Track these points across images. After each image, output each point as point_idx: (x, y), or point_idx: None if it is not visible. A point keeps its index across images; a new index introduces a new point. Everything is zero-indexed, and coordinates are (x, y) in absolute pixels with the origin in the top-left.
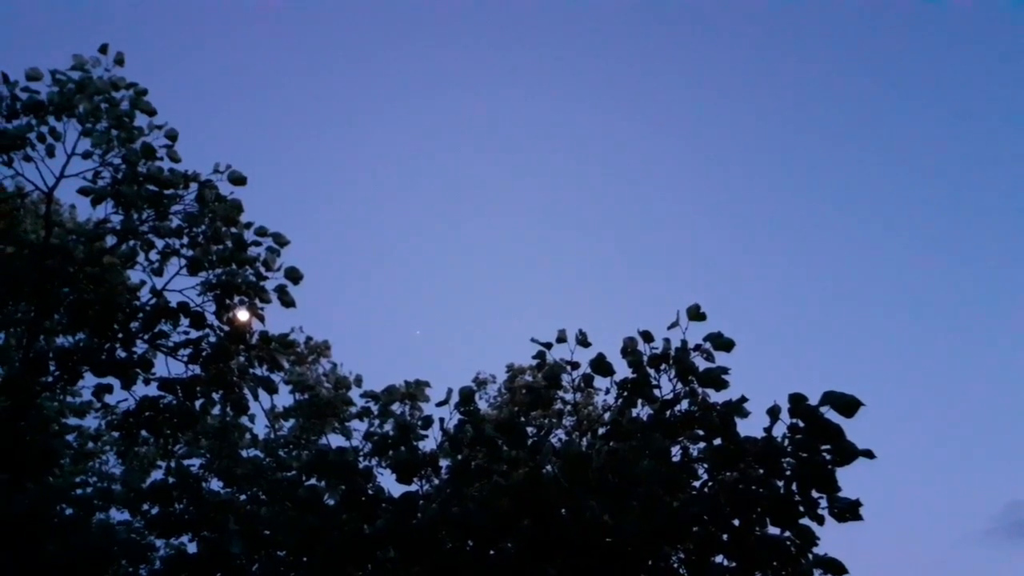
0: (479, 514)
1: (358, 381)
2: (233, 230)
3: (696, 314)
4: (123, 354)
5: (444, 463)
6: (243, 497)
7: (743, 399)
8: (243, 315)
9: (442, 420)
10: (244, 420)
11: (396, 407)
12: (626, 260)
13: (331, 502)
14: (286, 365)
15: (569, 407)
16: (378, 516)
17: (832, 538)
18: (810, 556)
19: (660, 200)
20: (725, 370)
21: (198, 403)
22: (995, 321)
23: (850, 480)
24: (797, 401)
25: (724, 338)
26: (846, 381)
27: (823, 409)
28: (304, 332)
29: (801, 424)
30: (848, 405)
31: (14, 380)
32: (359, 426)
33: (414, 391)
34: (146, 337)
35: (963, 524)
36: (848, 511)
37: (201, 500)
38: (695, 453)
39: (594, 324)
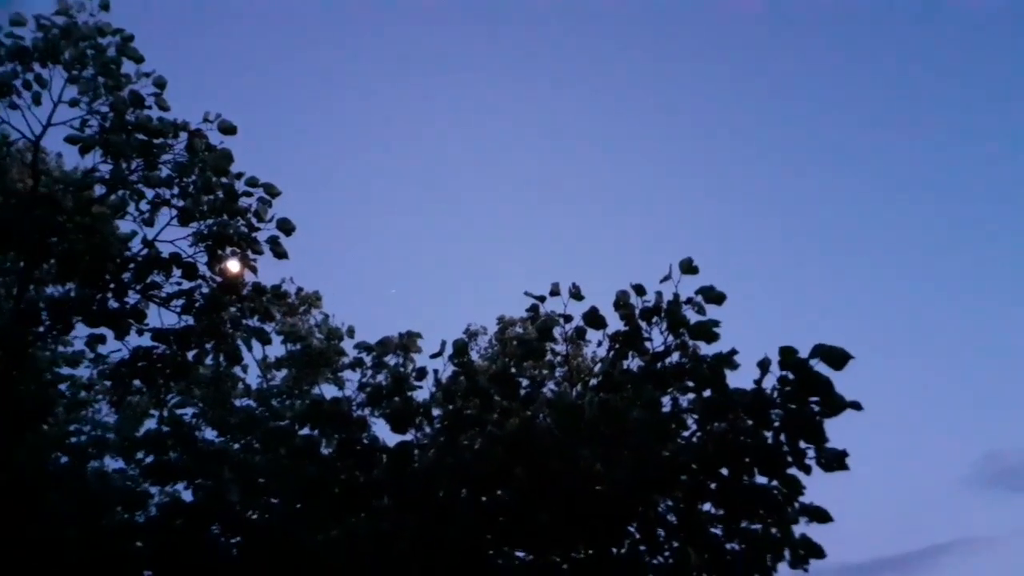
0: (473, 463)
1: (350, 332)
2: (224, 180)
3: (688, 267)
4: (115, 304)
5: (437, 413)
6: (236, 446)
7: (733, 351)
8: (235, 266)
9: (436, 372)
10: (237, 370)
11: (389, 358)
12: (618, 215)
13: (326, 451)
14: (278, 316)
15: (560, 358)
16: (373, 465)
17: (814, 487)
18: (796, 505)
19: (651, 154)
20: (716, 323)
21: (191, 353)
22: (975, 272)
23: (830, 430)
24: (787, 354)
25: (715, 291)
26: (830, 332)
27: (813, 362)
28: (295, 283)
29: (791, 376)
30: (838, 358)
31: (6, 330)
32: (352, 376)
33: (407, 343)
34: (138, 288)
35: (943, 473)
36: (835, 461)
37: (195, 449)
38: (685, 404)
39: (586, 279)
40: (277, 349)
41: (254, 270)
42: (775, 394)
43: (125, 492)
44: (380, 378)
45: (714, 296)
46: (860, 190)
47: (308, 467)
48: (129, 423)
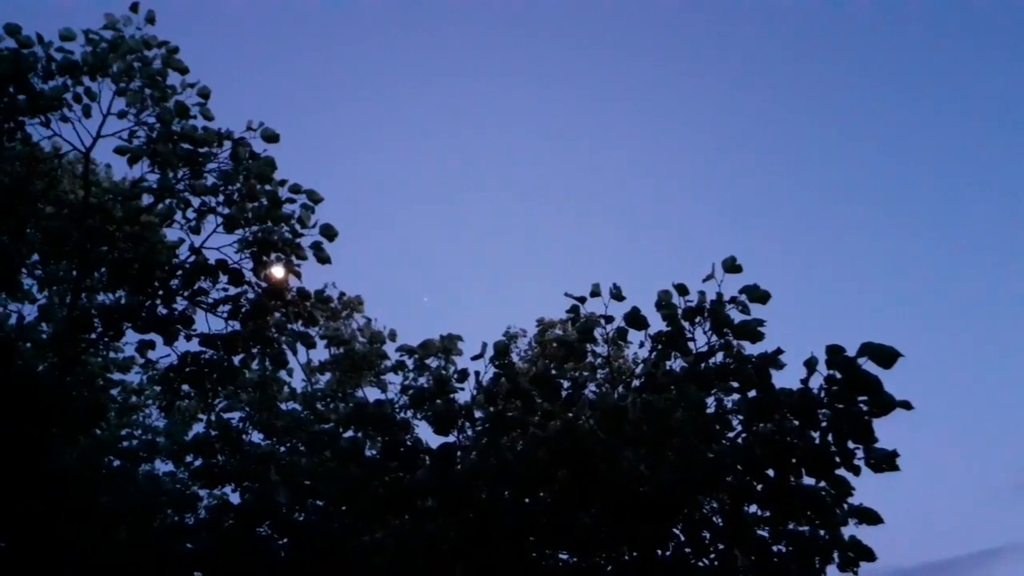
0: (516, 465)
1: (392, 335)
2: (267, 187)
3: (732, 266)
4: (164, 311)
5: (479, 415)
6: (283, 449)
7: (778, 351)
8: (279, 272)
9: (477, 373)
10: (282, 374)
11: (431, 361)
12: (659, 214)
13: (370, 454)
14: (322, 320)
15: (601, 360)
16: (417, 467)
17: (862, 489)
18: (845, 507)
19: (692, 150)
20: (760, 322)
21: (238, 358)
22: None
23: (878, 430)
24: (834, 352)
25: (760, 290)
26: (878, 331)
27: (860, 360)
28: (337, 288)
29: (838, 376)
30: (887, 356)
31: (60, 337)
32: (394, 379)
33: (448, 345)
34: (186, 294)
35: (995, 476)
36: (885, 462)
37: (242, 452)
38: (730, 405)
39: (627, 280)
40: (321, 353)
41: (298, 275)
42: (822, 394)
43: (175, 494)
44: (422, 381)
45: (758, 295)
46: (910, 180)
47: (352, 469)
48: (178, 427)
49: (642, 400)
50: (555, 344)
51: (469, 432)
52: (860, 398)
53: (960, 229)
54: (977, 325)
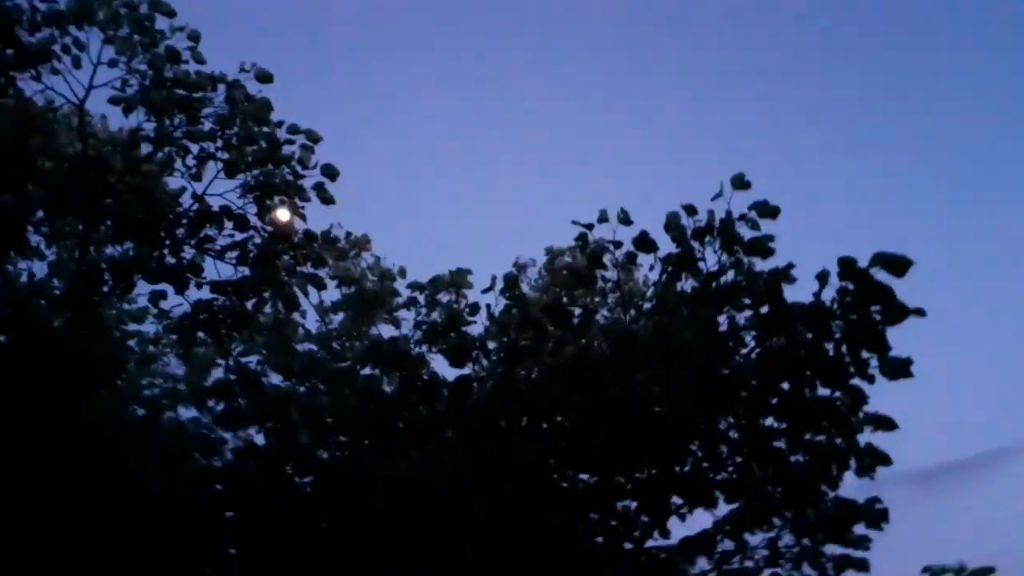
0: (531, 393)
1: (402, 273)
2: (265, 130)
3: (740, 183)
4: (173, 260)
5: (493, 346)
6: (302, 389)
7: (790, 266)
8: (284, 215)
9: (488, 306)
10: (296, 316)
11: (442, 295)
12: (665, 134)
13: (388, 390)
14: (331, 261)
15: (612, 284)
16: (435, 400)
17: (877, 397)
18: (860, 415)
19: (696, 69)
20: (771, 238)
21: (250, 303)
22: None
23: (893, 339)
24: (846, 264)
25: (769, 206)
26: (891, 242)
27: (873, 270)
28: (344, 228)
29: (851, 287)
30: (899, 265)
31: (73, 293)
32: (407, 315)
33: (458, 279)
34: (193, 242)
35: (1012, 376)
36: (899, 369)
37: (263, 394)
38: (742, 323)
39: (635, 204)
40: (333, 294)
41: (303, 218)
42: (835, 306)
43: (200, 439)
44: (434, 316)
45: (768, 211)
46: (919, 90)
47: (371, 406)
48: (198, 373)
49: (654, 323)
50: (565, 272)
51: (484, 364)
52: (873, 308)
53: (977, 124)
54: (1000, 224)
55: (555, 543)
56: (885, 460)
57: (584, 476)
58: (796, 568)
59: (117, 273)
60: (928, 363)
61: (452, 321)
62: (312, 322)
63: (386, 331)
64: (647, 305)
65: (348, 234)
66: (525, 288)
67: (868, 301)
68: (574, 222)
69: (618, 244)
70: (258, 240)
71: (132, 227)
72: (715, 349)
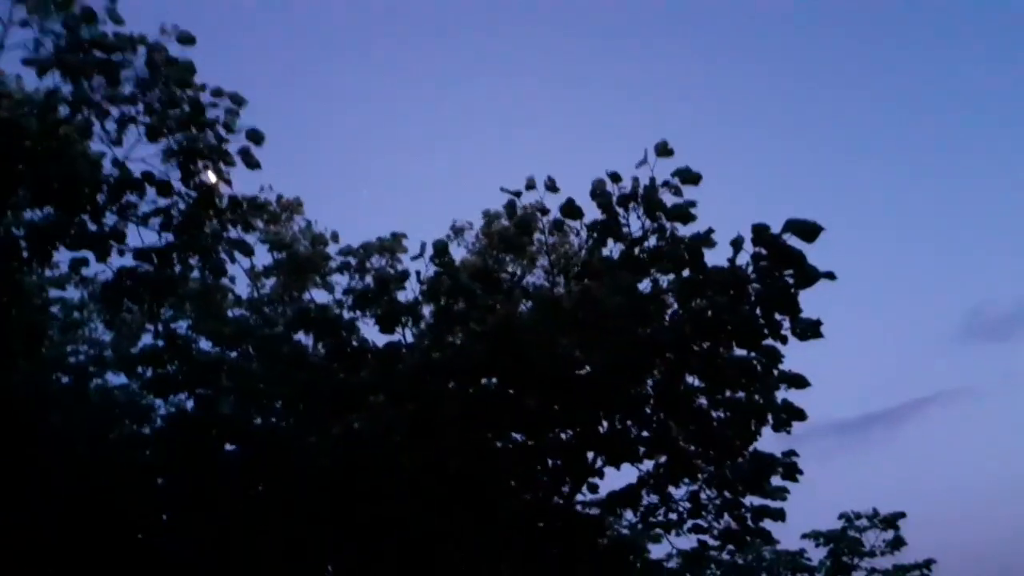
0: (456, 358)
1: (334, 237)
2: (188, 93)
3: (664, 150)
4: (94, 227)
5: (428, 309)
6: (234, 354)
7: (710, 231)
8: (211, 177)
9: (418, 273)
10: (225, 282)
11: (375, 260)
12: (594, 101)
13: (319, 355)
14: (260, 224)
15: (547, 247)
16: (361, 368)
17: (804, 352)
18: (775, 373)
19: (625, 35)
20: (692, 203)
21: (177, 270)
22: (952, 131)
23: (817, 301)
24: (760, 231)
25: (692, 172)
26: (809, 205)
27: (785, 236)
28: (274, 190)
29: (764, 252)
30: (809, 231)
31: None
32: (339, 279)
33: (391, 244)
34: (114, 209)
35: (929, 330)
36: (810, 330)
37: (192, 360)
38: (666, 286)
39: (567, 167)
40: (265, 257)
41: (228, 183)
42: (749, 270)
43: (129, 406)
44: (368, 280)
45: (690, 177)
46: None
47: (299, 374)
48: (125, 340)
49: (580, 287)
50: (496, 239)
51: (414, 330)
52: (786, 272)
53: (874, 88)
54: (914, 182)
55: (484, 502)
56: (800, 415)
57: (516, 435)
58: (717, 519)
59: (34, 241)
60: (852, 317)
61: (381, 287)
62: (243, 286)
63: (319, 296)
64: (576, 270)
65: (279, 197)
66: (462, 251)
67: (781, 266)
68: (503, 189)
69: (545, 211)
70: (183, 206)
71: (50, 193)
72: (636, 313)
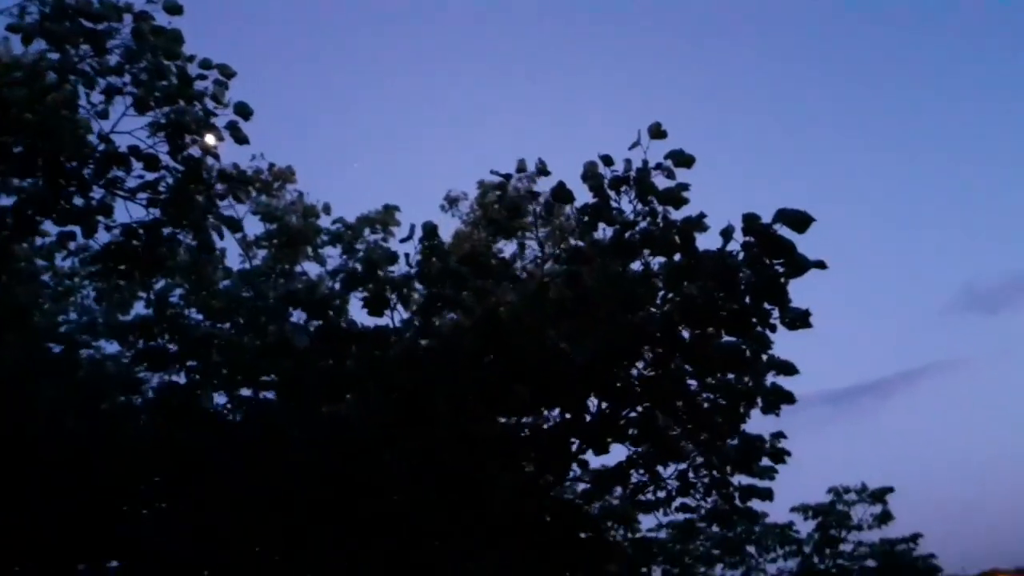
0: (446, 348)
1: (326, 209)
2: (176, 64)
3: (657, 132)
4: (81, 201)
5: (419, 289)
6: (227, 325)
7: (702, 215)
8: (211, 140)
9: (407, 256)
10: (216, 254)
11: (368, 234)
12: (590, 84)
13: (305, 339)
14: (253, 193)
15: (541, 220)
16: (348, 354)
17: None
18: (764, 358)
19: (623, 22)
20: (685, 186)
21: (165, 246)
22: (946, 109)
23: (811, 275)
24: (750, 220)
25: (685, 155)
26: (807, 175)
27: (776, 226)
28: (265, 159)
29: (753, 242)
30: (800, 221)
31: None
32: (333, 252)
33: (385, 217)
34: (101, 183)
35: (922, 303)
36: (799, 320)
37: (183, 333)
38: (656, 268)
39: (559, 151)
40: (257, 226)
41: (216, 157)
42: (741, 258)
43: (120, 376)
44: (359, 255)
45: (684, 160)
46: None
47: (283, 361)
48: (116, 308)
49: (567, 273)
50: (495, 206)
51: (404, 314)
52: (776, 261)
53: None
54: (908, 157)
55: (472, 490)
56: (789, 399)
57: (503, 420)
58: (705, 497)
59: (20, 213)
60: (846, 290)
61: (371, 269)
62: (235, 256)
63: (311, 268)
64: (564, 254)
65: (271, 165)
66: (456, 222)
67: (770, 255)
68: (493, 172)
69: (535, 195)
70: (170, 180)
71: (36, 166)
72: (625, 299)
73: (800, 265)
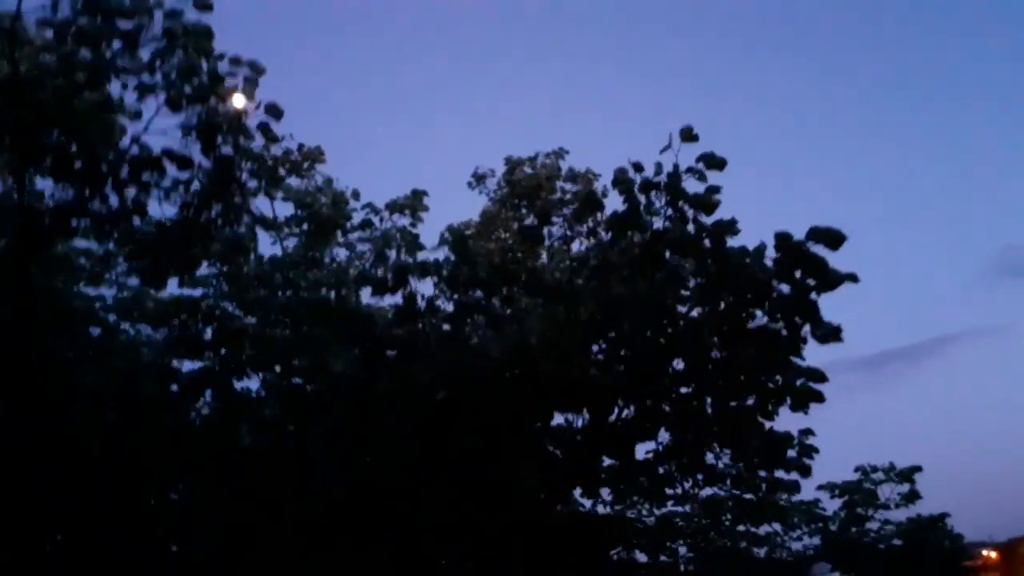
0: (473, 373)
1: (355, 195)
2: (206, 64)
3: (689, 135)
4: (116, 200)
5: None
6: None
7: (733, 220)
8: (240, 100)
9: (436, 261)
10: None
11: (397, 219)
12: (624, 84)
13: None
14: (283, 172)
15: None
16: (380, 372)
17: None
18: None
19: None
20: (716, 189)
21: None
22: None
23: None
24: (783, 239)
25: (716, 158)
26: (851, 142)
27: (809, 244)
28: (295, 139)
29: (785, 258)
30: (833, 239)
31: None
32: (362, 238)
33: (413, 202)
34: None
35: (959, 268)
36: (830, 335)
37: (219, 323)
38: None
39: (589, 128)
40: (287, 207)
41: (245, 116)
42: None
43: (155, 365)
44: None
45: (715, 162)
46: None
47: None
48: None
49: (592, 288)
50: (523, 184)
51: (432, 322)
52: (809, 280)
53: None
54: (948, 123)
55: (496, 502)
56: (818, 397)
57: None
58: (734, 489)
59: (56, 219)
60: (881, 252)
61: (399, 277)
62: (266, 241)
63: (341, 254)
64: (594, 261)
65: (301, 146)
66: (483, 199)
67: (803, 273)
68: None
69: (565, 203)
70: (203, 179)
71: (71, 170)
72: (654, 315)
73: (832, 281)
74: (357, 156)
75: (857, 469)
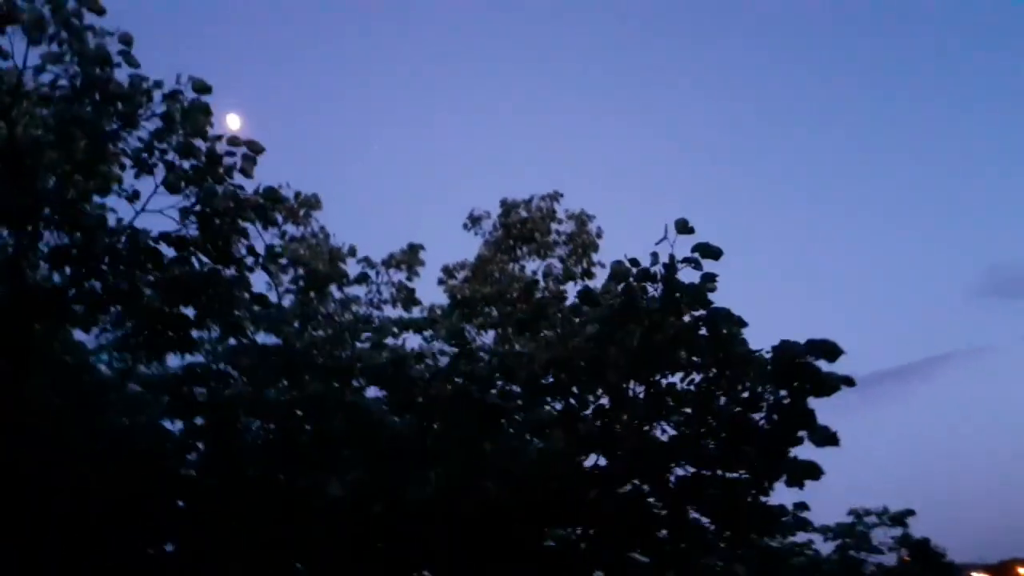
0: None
1: (352, 252)
2: (204, 144)
3: (684, 228)
4: (112, 283)
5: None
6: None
7: (731, 314)
8: (235, 121)
9: (434, 355)
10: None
11: (392, 273)
12: (620, 172)
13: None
14: (279, 219)
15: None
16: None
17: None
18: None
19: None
20: (712, 277)
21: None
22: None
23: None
24: (781, 353)
25: (712, 247)
26: (831, 160)
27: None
28: (291, 187)
29: (783, 368)
30: (830, 352)
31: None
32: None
33: (409, 257)
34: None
35: (946, 288)
36: (827, 440)
37: (211, 388)
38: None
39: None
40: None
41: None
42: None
43: (149, 427)
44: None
45: (710, 252)
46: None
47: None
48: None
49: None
50: (519, 225)
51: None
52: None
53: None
54: (935, 142)
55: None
56: (815, 473)
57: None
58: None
59: (51, 304)
60: (870, 273)
61: (397, 366)
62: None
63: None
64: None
65: (297, 194)
66: (478, 241)
67: (801, 382)
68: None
69: (562, 298)
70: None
71: (68, 259)
72: (651, 414)
73: (829, 387)
74: (356, 157)
75: (850, 512)
